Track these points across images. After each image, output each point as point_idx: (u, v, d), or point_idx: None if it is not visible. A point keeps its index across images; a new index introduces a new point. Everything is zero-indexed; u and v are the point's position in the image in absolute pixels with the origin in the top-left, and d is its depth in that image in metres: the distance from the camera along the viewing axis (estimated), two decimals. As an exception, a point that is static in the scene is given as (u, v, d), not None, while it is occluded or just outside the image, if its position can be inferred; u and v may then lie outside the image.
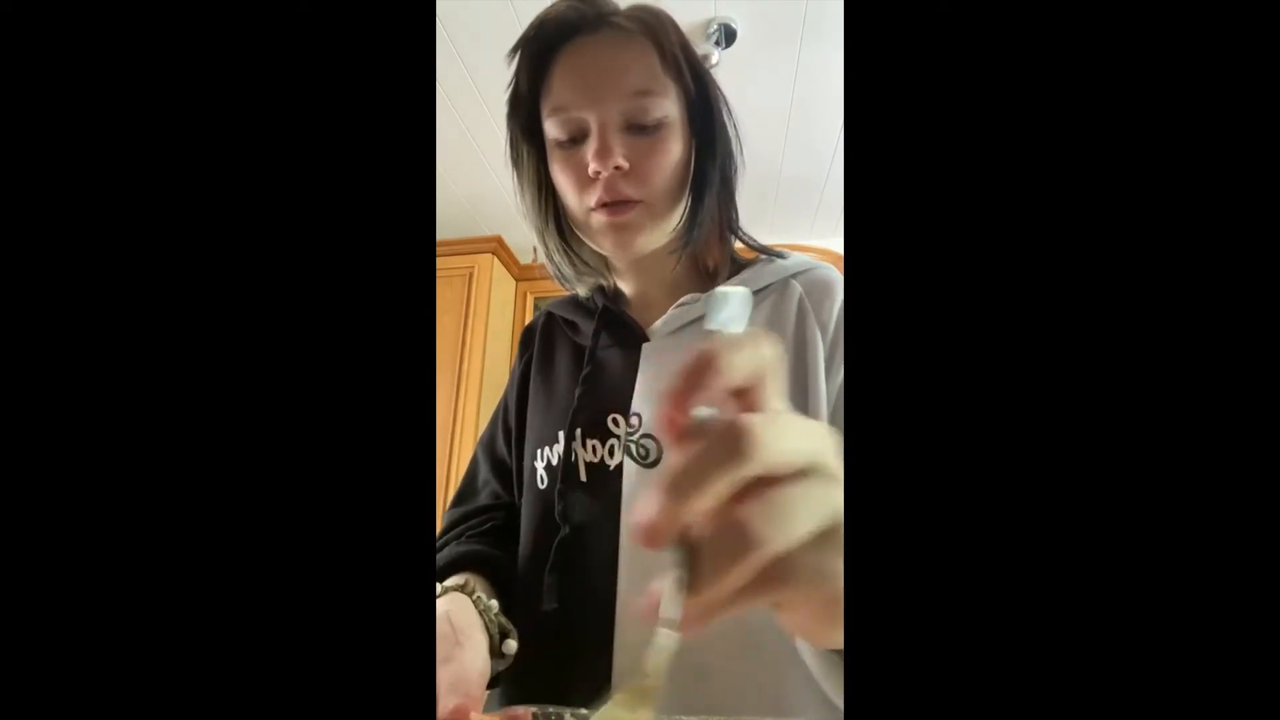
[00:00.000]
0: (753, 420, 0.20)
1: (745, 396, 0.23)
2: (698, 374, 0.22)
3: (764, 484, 0.21)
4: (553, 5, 0.56)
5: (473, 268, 2.34)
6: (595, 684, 0.48)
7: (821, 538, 0.22)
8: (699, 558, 0.21)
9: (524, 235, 2.43)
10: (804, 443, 0.22)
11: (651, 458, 0.53)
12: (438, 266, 2.30)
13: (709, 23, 1.65)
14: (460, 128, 1.96)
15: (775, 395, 0.23)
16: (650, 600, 0.21)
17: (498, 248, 2.37)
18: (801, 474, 0.21)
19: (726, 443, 0.20)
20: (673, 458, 0.21)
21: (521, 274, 2.55)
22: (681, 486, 0.20)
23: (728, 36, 1.67)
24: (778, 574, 0.21)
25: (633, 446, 0.54)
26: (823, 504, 0.22)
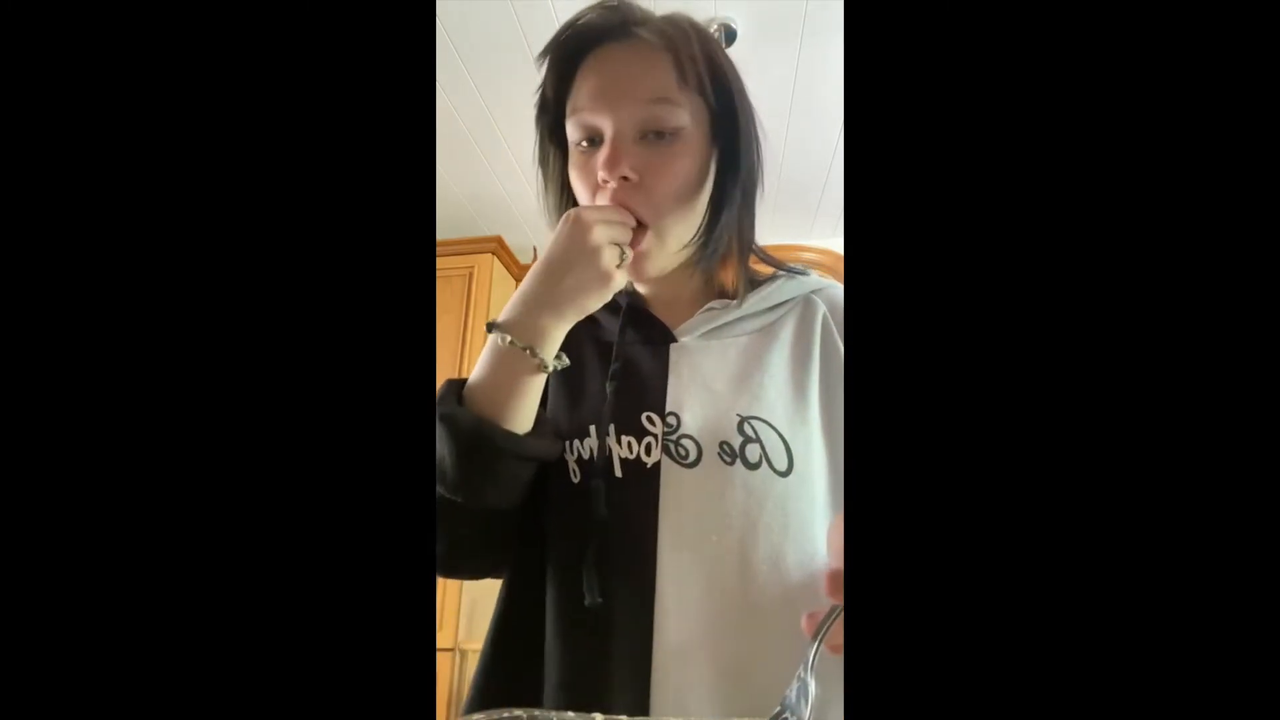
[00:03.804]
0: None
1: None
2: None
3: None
4: (583, 10, 0.57)
5: (473, 268, 2.34)
6: (635, 681, 0.48)
7: None
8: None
9: (524, 235, 2.44)
10: None
11: (691, 458, 0.54)
12: (438, 266, 2.29)
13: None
14: (460, 128, 1.96)
15: None
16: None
17: (498, 248, 2.36)
18: None
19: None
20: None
21: (521, 274, 2.55)
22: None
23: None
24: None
25: (672, 447, 0.55)
26: None
